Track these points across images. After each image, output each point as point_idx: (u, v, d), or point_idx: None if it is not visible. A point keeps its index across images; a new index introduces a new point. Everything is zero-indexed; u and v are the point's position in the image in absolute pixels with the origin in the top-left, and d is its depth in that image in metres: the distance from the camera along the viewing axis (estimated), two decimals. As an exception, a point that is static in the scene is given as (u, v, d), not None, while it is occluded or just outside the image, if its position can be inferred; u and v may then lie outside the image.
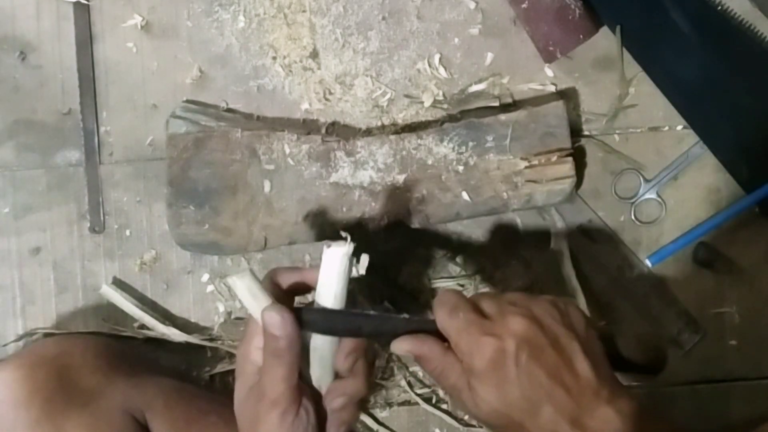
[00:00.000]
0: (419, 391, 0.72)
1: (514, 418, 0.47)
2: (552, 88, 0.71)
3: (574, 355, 0.48)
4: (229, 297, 0.72)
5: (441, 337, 0.50)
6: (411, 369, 0.73)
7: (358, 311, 0.50)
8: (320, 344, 0.50)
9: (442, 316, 0.50)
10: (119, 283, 0.72)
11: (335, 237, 0.49)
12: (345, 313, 0.50)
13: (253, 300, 0.49)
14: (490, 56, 0.71)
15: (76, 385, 0.59)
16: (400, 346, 0.50)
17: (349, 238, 0.49)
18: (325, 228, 0.67)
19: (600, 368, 0.48)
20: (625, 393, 0.47)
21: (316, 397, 0.50)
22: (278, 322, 0.48)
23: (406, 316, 0.51)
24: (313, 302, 0.50)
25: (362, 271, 0.50)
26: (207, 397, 0.66)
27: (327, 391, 0.50)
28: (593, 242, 0.70)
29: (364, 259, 0.50)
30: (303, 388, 0.49)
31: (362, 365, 0.51)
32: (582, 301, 0.70)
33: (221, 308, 0.72)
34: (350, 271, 0.49)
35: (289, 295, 0.52)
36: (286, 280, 0.52)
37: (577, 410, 0.46)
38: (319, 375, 0.50)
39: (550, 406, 0.46)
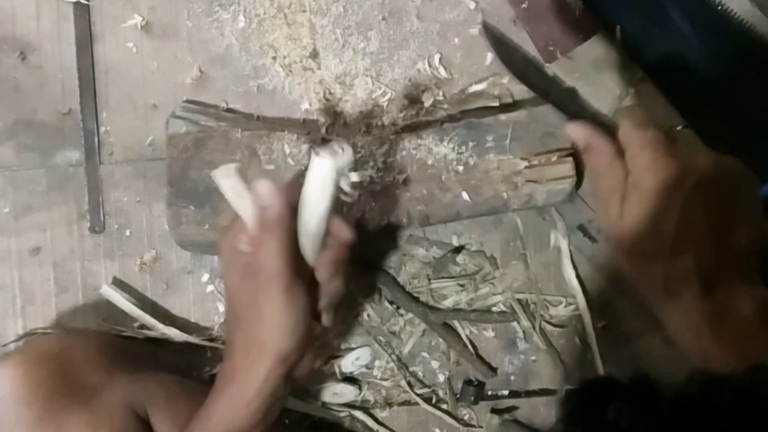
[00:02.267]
0: (419, 391, 0.72)
1: (650, 248, 0.46)
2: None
3: (739, 224, 0.46)
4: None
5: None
6: (411, 369, 0.73)
7: (552, 78, 0.50)
8: (309, 220, 0.50)
9: (629, 125, 0.48)
10: (119, 283, 0.72)
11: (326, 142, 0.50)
12: (543, 75, 0.50)
13: (237, 197, 0.50)
14: (490, 56, 0.71)
15: (77, 381, 0.59)
16: (580, 130, 0.49)
17: (343, 150, 0.48)
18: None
19: (751, 252, 0.47)
20: (761, 284, 0.46)
21: (305, 276, 0.51)
22: (269, 190, 0.49)
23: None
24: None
25: (354, 179, 0.50)
26: (208, 392, 0.66)
27: (319, 262, 0.51)
28: (593, 242, 0.70)
29: (354, 176, 0.50)
30: (296, 264, 0.49)
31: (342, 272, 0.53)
32: (582, 301, 0.70)
33: (221, 308, 0.72)
34: (337, 184, 0.49)
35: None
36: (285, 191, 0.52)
37: (714, 273, 0.45)
38: (308, 251, 0.51)
39: (692, 256, 0.45)
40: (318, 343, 0.54)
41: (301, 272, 0.50)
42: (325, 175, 0.49)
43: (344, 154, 0.49)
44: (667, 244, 0.45)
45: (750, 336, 0.44)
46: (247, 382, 0.52)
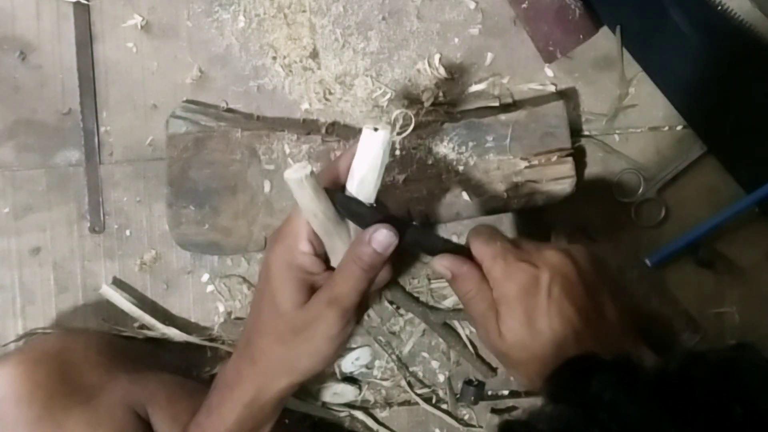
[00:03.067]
0: (419, 391, 0.72)
1: (537, 352, 0.46)
2: (552, 88, 0.71)
3: (604, 298, 0.47)
4: (229, 297, 0.72)
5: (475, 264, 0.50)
6: (411, 369, 0.73)
7: (404, 219, 0.50)
8: (359, 193, 0.50)
9: (478, 242, 0.50)
10: (119, 283, 0.72)
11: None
12: (392, 219, 0.50)
13: (314, 201, 0.48)
14: (490, 56, 0.71)
15: (77, 381, 0.59)
16: (442, 263, 0.50)
17: (389, 127, 0.48)
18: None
19: (625, 318, 0.48)
20: (646, 346, 0.47)
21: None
22: (389, 241, 0.48)
23: (444, 237, 0.51)
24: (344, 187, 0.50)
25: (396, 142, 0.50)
26: (209, 391, 0.66)
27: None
28: (593, 242, 0.70)
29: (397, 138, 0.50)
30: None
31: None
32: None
33: (221, 308, 0.72)
34: (386, 158, 0.49)
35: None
36: (324, 179, 0.51)
37: (602, 348, 0.45)
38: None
39: (576, 344, 0.46)
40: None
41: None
42: (377, 148, 0.48)
43: (391, 128, 0.49)
44: (546, 342, 0.46)
45: None
46: (263, 390, 0.53)
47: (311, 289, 0.51)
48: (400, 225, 0.50)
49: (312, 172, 0.47)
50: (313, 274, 0.51)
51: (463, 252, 0.51)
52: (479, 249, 0.50)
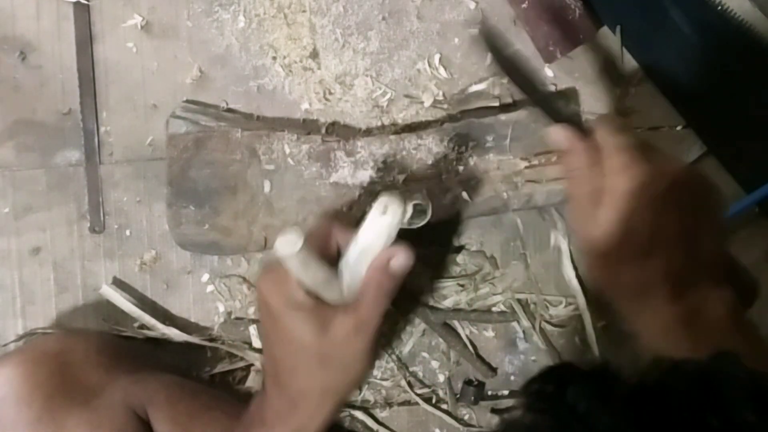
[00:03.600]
0: (419, 391, 0.72)
1: (624, 251, 0.46)
2: (552, 88, 0.71)
3: (707, 229, 0.47)
4: (229, 297, 0.72)
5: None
6: (411, 369, 0.73)
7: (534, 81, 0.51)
8: (359, 261, 0.50)
9: (607, 130, 0.49)
10: (119, 283, 0.72)
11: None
12: (528, 75, 0.51)
13: (303, 272, 0.48)
14: (490, 56, 0.71)
15: (77, 381, 0.59)
16: (562, 133, 0.50)
17: (410, 210, 0.49)
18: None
19: (716, 257, 0.48)
20: (728, 289, 0.47)
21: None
22: (407, 264, 0.49)
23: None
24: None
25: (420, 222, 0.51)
26: (209, 392, 0.66)
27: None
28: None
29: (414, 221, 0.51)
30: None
31: None
32: (581, 301, 0.70)
33: (221, 308, 0.72)
34: (394, 235, 0.49)
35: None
36: (315, 243, 0.51)
37: (684, 276, 0.46)
38: (351, 286, 0.51)
39: (664, 259, 0.46)
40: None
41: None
42: (384, 230, 0.49)
43: (404, 210, 0.49)
44: (639, 247, 0.46)
45: (722, 337, 0.45)
46: (311, 422, 0.52)
47: (320, 320, 0.50)
48: (528, 86, 0.51)
49: (302, 247, 0.47)
50: (313, 305, 0.50)
51: (577, 126, 0.50)
52: (607, 136, 0.49)
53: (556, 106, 0.51)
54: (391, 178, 0.67)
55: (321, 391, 0.51)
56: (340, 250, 0.52)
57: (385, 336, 0.72)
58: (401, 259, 0.49)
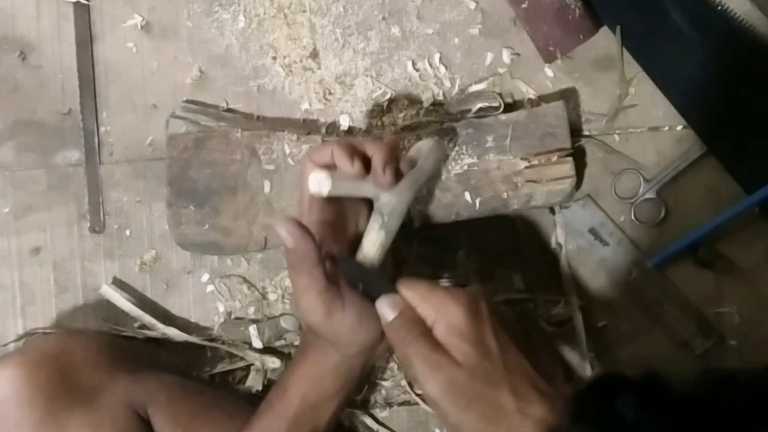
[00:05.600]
0: (419, 391, 0.72)
1: (494, 377, 0.46)
2: (552, 88, 0.71)
3: (523, 337, 0.50)
4: (229, 297, 0.72)
5: None
6: (411, 369, 0.73)
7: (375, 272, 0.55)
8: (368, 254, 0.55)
9: (408, 287, 0.51)
10: (119, 283, 0.72)
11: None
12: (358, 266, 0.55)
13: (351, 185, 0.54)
14: (490, 56, 0.71)
15: (78, 382, 0.59)
16: (384, 304, 0.51)
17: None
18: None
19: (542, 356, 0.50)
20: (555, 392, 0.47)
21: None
22: (287, 236, 0.50)
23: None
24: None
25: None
26: (210, 392, 0.67)
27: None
28: (604, 245, 0.70)
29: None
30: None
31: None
32: (575, 302, 0.70)
33: (221, 308, 0.72)
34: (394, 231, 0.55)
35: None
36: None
37: (543, 379, 0.46)
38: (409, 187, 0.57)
39: (521, 370, 0.47)
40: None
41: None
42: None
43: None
44: (501, 365, 0.47)
45: None
46: (318, 363, 0.55)
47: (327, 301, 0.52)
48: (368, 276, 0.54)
49: (332, 186, 0.52)
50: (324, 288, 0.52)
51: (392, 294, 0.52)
52: (412, 289, 0.51)
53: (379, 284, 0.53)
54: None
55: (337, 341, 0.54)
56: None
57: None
58: (286, 229, 0.50)
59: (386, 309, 0.50)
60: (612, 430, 0.34)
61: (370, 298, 0.52)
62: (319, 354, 0.55)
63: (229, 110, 0.71)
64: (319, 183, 0.51)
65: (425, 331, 0.48)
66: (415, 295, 0.50)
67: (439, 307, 0.48)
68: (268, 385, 0.70)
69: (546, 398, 0.45)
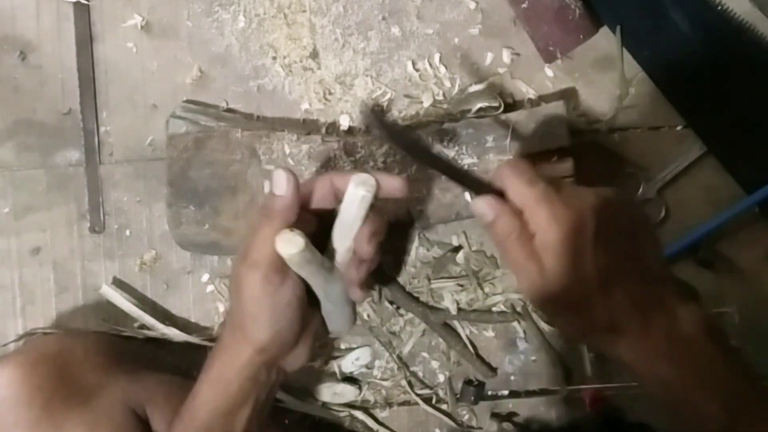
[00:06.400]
0: (419, 391, 0.72)
1: (582, 293, 0.46)
2: (552, 88, 0.71)
3: (642, 248, 0.48)
4: (229, 297, 0.72)
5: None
6: (411, 369, 0.73)
7: (435, 153, 0.51)
8: (341, 235, 0.52)
9: (518, 184, 0.48)
10: (119, 283, 0.72)
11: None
12: (426, 147, 0.52)
13: (303, 269, 0.51)
14: (490, 56, 0.71)
15: (76, 382, 0.59)
16: (483, 205, 0.49)
17: (374, 182, 0.50)
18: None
19: (664, 267, 0.48)
20: (695, 299, 0.48)
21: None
22: (283, 180, 0.49)
23: (474, 170, 0.52)
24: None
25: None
26: None
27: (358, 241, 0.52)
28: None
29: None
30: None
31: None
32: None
33: (221, 308, 0.72)
34: (369, 208, 0.51)
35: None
36: (320, 188, 0.53)
37: (648, 299, 0.46)
38: (339, 239, 0.52)
39: (623, 288, 0.46)
40: (316, 341, 0.54)
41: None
42: (361, 202, 0.50)
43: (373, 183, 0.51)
44: (593, 285, 0.46)
45: (699, 352, 0.46)
46: (227, 363, 0.53)
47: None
48: (431, 157, 0.51)
49: (305, 247, 0.48)
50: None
51: (493, 189, 0.50)
52: (519, 191, 0.48)
53: (472, 176, 0.52)
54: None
55: (227, 331, 0.53)
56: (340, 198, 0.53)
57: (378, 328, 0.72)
58: (279, 174, 0.50)
59: (485, 209, 0.49)
60: None
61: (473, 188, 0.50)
62: (228, 353, 0.53)
63: (229, 110, 0.71)
64: (291, 243, 0.49)
65: (522, 236, 0.48)
66: (521, 202, 0.48)
67: (539, 224, 0.47)
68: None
69: (644, 321, 0.46)
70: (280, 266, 0.50)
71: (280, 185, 0.50)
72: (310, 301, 0.54)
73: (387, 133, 0.50)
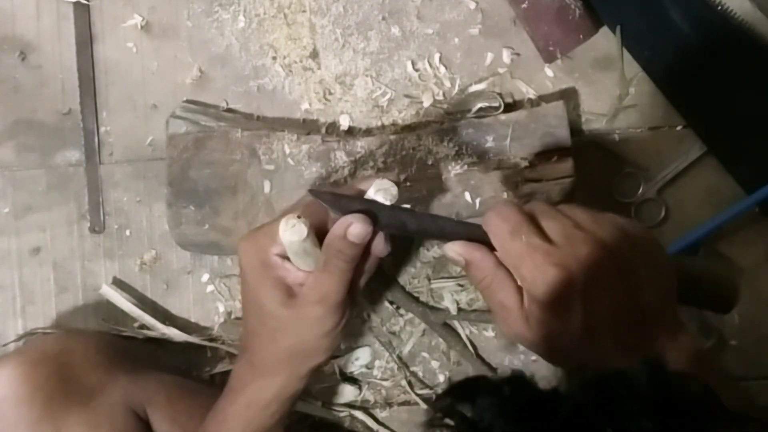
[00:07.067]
0: (419, 391, 0.72)
1: (568, 344, 0.45)
2: (552, 88, 0.71)
3: (642, 284, 0.45)
4: (229, 297, 0.72)
5: (489, 245, 0.48)
6: (411, 369, 0.73)
7: (405, 207, 0.50)
8: None
9: (502, 235, 0.47)
10: (119, 283, 0.72)
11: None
12: (391, 208, 0.49)
13: (303, 258, 0.50)
14: (490, 56, 0.71)
15: (77, 381, 0.59)
16: (453, 249, 0.48)
17: (396, 191, 0.50)
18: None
19: (666, 301, 0.46)
20: (686, 332, 0.46)
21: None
22: (362, 232, 0.48)
23: (454, 218, 0.50)
24: None
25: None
26: (208, 392, 0.66)
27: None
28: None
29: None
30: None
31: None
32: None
33: (221, 308, 0.72)
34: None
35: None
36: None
37: (636, 342, 0.44)
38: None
39: (610, 337, 0.44)
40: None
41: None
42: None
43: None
44: (578, 337, 0.45)
45: None
46: (268, 388, 0.53)
47: (288, 287, 0.51)
48: (401, 212, 0.50)
49: (306, 236, 0.48)
50: (285, 273, 0.51)
51: (478, 231, 0.48)
52: (503, 243, 0.47)
53: (437, 223, 0.50)
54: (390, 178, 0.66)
55: (277, 359, 0.52)
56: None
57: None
58: (357, 227, 0.48)
59: (456, 254, 0.48)
60: None
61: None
62: (271, 379, 0.53)
63: (229, 110, 0.71)
64: (296, 230, 0.48)
65: (497, 280, 0.47)
66: (503, 255, 0.47)
67: (523, 279, 0.46)
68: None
69: (630, 362, 0.44)
70: (342, 301, 0.50)
71: (360, 237, 0.48)
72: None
73: (342, 211, 0.49)
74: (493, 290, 0.47)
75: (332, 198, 0.49)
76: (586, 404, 0.32)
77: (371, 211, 0.49)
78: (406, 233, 0.50)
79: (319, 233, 0.50)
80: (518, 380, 0.35)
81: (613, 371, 0.34)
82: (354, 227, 0.48)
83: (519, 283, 0.47)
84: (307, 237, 0.48)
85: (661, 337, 0.45)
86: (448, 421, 0.35)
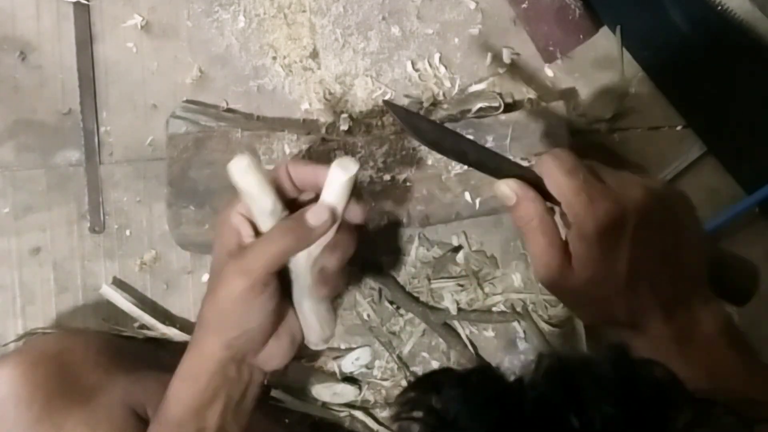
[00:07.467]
0: (419, 391, 0.72)
1: (607, 289, 0.45)
2: (552, 88, 0.71)
3: (686, 243, 0.46)
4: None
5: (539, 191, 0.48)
6: (411, 369, 0.73)
7: (469, 138, 0.49)
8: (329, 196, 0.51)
9: (558, 173, 0.47)
10: (119, 283, 0.72)
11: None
12: (456, 135, 0.48)
13: (254, 188, 0.49)
14: (490, 56, 0.71)
15: (77, 381, 0.59)
16: (509, 184, 0.48)
17: (355, 166, 0.49)
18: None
19: (701, 266, 0.47)
20: (717, 300, 0.46)
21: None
22: (327, 216, 0.48)
23: (511, 157, 0.49)
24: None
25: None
26: None
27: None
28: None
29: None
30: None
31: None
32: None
33: (221, 308, 0.72)
34: (352, 190, 0.50)
35: (294, 188, 0.52)
36: (298, 173, 0.51)
37: (673, 298, 0.45)
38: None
39: (649, 286, 0.45)
40: (294, 344, 0.54)
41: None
42: (343, 183, 0.49)
43: (354, 163, 0.49)
44: (622, 282, 0.45)
45: (715, 355, 0.45)
46: (195, 358, 0.53)
47: (241, 241, 0.51)
48: (464, 141, 0.49)
49: (254, 171, 0.48)
50: (242, 227, 0.51)
51: (533, 175, 0.48)
52: (559, 180, 0.47)
53: (494, 159, 0.50)
54: (390, 178, 0.67)
55: (201, 319, 0.52)
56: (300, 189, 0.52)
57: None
58: (318, 213, 0.48)
59: (507, 192, 0.48)
60: (433, 427, 0.34)
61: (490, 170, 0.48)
62: (197, 348, 0.52)
63: (229, 110, 0.71)
64: (241, 167, 0.48)
65: (544, 222, 0.46)
66: (559, 192, 0.47)
67: (576, 215, 0.45)
68: (268, 385, 0.70)
69: (665, 319, 0.45)
70: (269, 280, 0.49)
71: (321, 217, 0.48)
72: (288, 304, 0.53)
73: (410, 127, 0.48)
74: (540, 232, 0.47)
75: (405, 114, 0.48)
76: (550, 393, 0.32)
77: (437, 132, 0.48)
78: (464, 162, 0.49)
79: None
80: (484, 371, 0.35)
81: (578, 358, 0.34)
82: (314, 213, 0.48)
83: (570, 219, 0.46)
84: (249, 169, 0.48)
85: (695, 298, 0.45)
86: (415, 413, 0.35)
